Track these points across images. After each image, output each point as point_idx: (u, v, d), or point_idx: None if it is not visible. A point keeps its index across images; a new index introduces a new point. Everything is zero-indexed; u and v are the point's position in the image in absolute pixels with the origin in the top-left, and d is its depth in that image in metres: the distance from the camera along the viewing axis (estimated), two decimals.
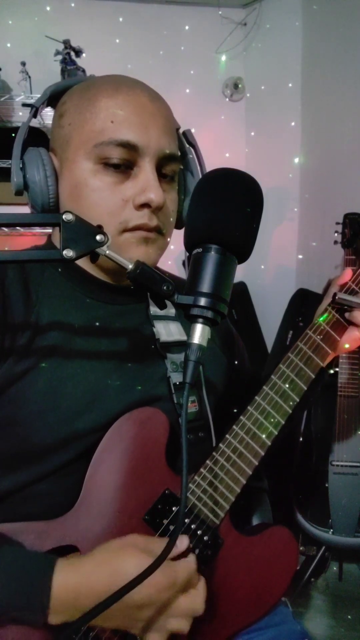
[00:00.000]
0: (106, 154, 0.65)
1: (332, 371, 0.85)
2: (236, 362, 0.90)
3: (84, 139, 0.66)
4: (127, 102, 0.67)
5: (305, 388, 0.74)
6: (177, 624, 0.58)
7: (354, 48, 1.91)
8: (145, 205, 0.66)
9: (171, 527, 0.66)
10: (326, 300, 0.81)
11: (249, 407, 0.72)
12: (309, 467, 1.61)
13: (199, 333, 0.50)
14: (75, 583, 0.53)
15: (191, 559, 0.60)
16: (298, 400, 0.73)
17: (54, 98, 0.73)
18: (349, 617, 1.56)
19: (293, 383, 0.73)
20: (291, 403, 0.73)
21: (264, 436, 0.71)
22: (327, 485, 1.56)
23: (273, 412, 0.72)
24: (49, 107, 0.75)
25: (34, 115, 0.73)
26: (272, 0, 2.28)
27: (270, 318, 2.18)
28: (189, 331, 0.51)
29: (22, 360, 0.64)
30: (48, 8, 2.16)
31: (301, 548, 1.60)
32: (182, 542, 0.61)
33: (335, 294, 0.76)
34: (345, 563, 1.71)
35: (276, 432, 0.72)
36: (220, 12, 2.30)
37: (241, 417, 0.71)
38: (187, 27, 2.34)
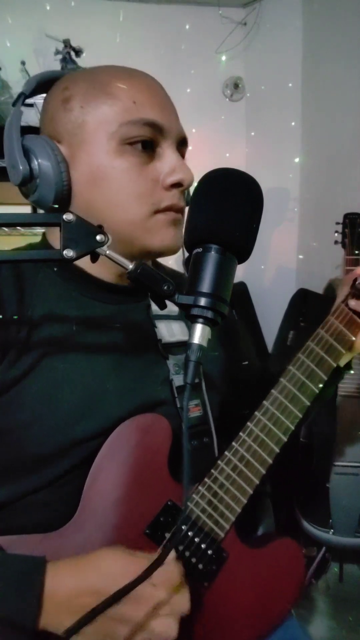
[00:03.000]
0: (133, 133, 0.62)
1: (352, 372, 0.80)
2: (234, 350, 0.88)
3: (104, 119, 0.63)
4: (144, 86, 0.65)
5: (317, 391, 0.70)
6: (163, 625, 0.53)
7: (354, 48, 1.91)
8: (176, 185, 0.65)
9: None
10: (339, 298, 0.77)
11: (256, 413, 0.69)
12: (309, 467, 1.60)
13: (199, 333, 0.49)
14: (68, 583, 0.52)
15: (177, 566, 0.56)
16: (309, 404, 0.69)
17: (41, 87, 0.69)
18: (350, 618, 1.56)
19: (304, 386, 0.69)
20: (302, 407, 0.69)
21: (272, 443, 0.68)
22: (327, 485, 1.56)
23: (282, 418, 0.68)
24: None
25: (22, 104, 0.67)
26: (272, 0, 2.27)
27: (270, 318, 2.17)
28: None
29: (16, 365, 0.61)
30: (48, 7, 2.16)
31: (302, 550, 1.59)
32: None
33: (356, 280, 0.73)
34: (346, 564, 1.70)
35: (285, 439, 0.68)
36: (220, 12, 2.30)
37: (248, 424, 0.68)
38: (187, 27, 2.34)
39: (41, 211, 0.70)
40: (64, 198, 0.65)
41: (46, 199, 0.64)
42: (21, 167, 0.61)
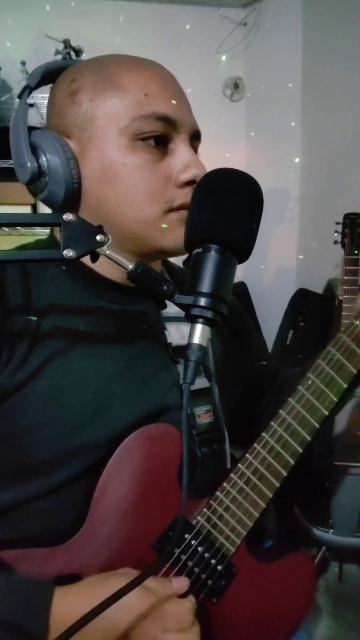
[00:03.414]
0: (145, 128, 0.59)
1: None
2: (245, 345, 0.84)
3: (114, 113, 0.59)
4: (155, 76, 0.61)
5: (336, 400, 0.66)
6: None
7: (354, 48, 1.91)
8: (190, 183, 0.62)
9: (183, 557, 0.61)
10: None
11: (272, 423, 0.65)
12: (310, 467, 1.60)
13: (199, 333, 0.49)
14: (74, 610, 0.48)
15: (188, 600, 0.56)
16: (327, 413, 0.66)
17: (46, 78, 0.66)
18: (350, 617, 1.56)
19: (323, 395, 0.65)
20: (319, 417, 0.66)
21: (287, 455, 0.65)
22: (328, 485, 1.56)
23: (299, 429, 0.65)
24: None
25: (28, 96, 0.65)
26: (272, 0, 2.28)
27: (270, 318, 2.17)
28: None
29: (22, 368, 0.59)
30: (48, 7, 2.16)
31: (302, 549, 1.60)
32: (180, 583, 0.56)
33: None
34: (346, 563, 1.70)
35: (301, 451, 0.65)
36: (220, 12, 2.30)
37: (263, 435, 0.65)
38: (187, 27, 2.34)
39: (43, 211, 0.68)
40: (74, 196, 0.62)
41: (56, 197, 0.61)
42: (29, 164, 0.59)
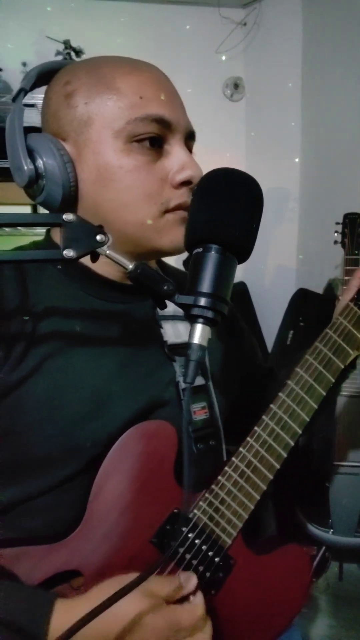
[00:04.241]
0: (140, 130, 0.60)
1: (356, 370, 0.78)
2: (240, 343, 0.85)
3: (110, 116, 0.60)
4: (149, 78, 0.62)
5: (324, 393, 0.69)
6: None
7: (354, 48, 1.91)
8: (185, 183, 0.63)
9: (180, 550, 0.62)
10: (347, 296, 0.76)
11: (264, 417, 0.67)
12: (309, 466, 1.61)
13: (200, 333, 0.50)
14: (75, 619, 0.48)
15: (198, 601, 0.57)
16: (316, 407, 0.68)
17: (41, 80, 0.66)
18: (350, 617, 1.56)
19: (312, 389, 0.68)
20: (309, 410, 0.68)
21: (280, 448, 0.66)
22: (327, 485, 1.56)
23: (290, 422, 0.67)
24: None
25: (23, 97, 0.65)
26: (272, 0, 2.28)
27: (270, 318, 2.18)
28: None
29: (20, 366, 0.60)
30: (49, 8, 2.16)
31: (304, 549, 1.60)
32: (190, 582, 0.57)
33: None
34: (346, 563, 1.71)
35: (293, 443, 0.67)
36: (220, 12, 2.30)
37: (255, 428, 0.67)
38: (187, 27, 2.34)
39: (43, 211, 0.69)
40: (71, 199, 0.63)
41: (53, 200, 0.62)
42: (26, 168, 0.59)
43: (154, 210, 0.62)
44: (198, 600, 0.57)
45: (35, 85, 0.65)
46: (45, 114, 0.65)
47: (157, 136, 0.61)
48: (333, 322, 0.72)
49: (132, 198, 0.61)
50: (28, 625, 0.50)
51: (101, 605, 0.45)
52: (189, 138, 0.66)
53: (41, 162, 0.60)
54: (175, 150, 0.63)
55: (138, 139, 0.60)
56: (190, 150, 0.67)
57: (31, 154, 0.60)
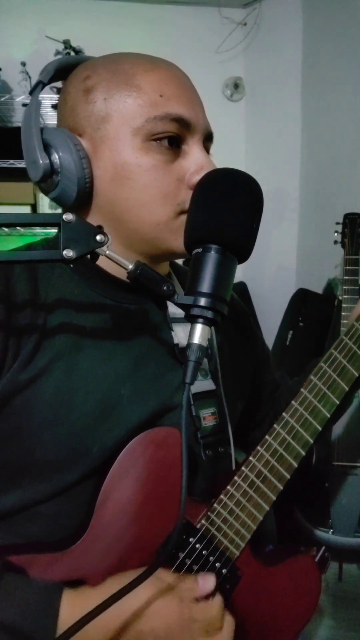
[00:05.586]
0: (159, 129, 0.58)
1: None
2: (254, 351, 0.84)
3: (129, 113, 0.58)
4: (170, 76, 0.60)
5: (338, 402, 0.67)
6: None
7: (354, 48, 1.91)
8: None
9: (187, 561, 0.60)
10: None
11: (275, 426, 0.65)
12: (309, 467, 1.60)
13: (199, 333, 0.49)
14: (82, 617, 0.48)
15: (215, 600, 0.56)
16: (329, 415, 0.67)
17: (59, 74, 0.65)
18: (349, 617, 1.56)
19: (325, 397, 0.66)
20: (322, 419, 0.66)
21: (290, 458, 0.65)
22: (327, 485, 1.56)
23: (302, 431, 0.65)
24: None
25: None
26: (272, 0, 2.28)
27: (270, 318, 2.18)
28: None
29: (29, 366, 0.58)
30: (48, 8, 2.16)
31: (301, 549, 1.60)
32: (207, 582, 0.56)
33: None
34: (345, 563, 1.70)
35: (304, 453, 0.65)
36: (220, 12, 2.30)
37: (267, 437, 0.65)
38: (187, 27, 2.34)
39: (43, 211, 0.68)
40: (86, 195, 0.61)
41: (68, 196, 0.60)
42: (41, 162, 0.58)
43: (170, 211, 0.60)
44: (216, 599, 0.56)
45: (52, 79, 0.64)
46: (62, 108, 0.64)
47: (175, 135, 0.59)
48: (349, 328, 0.69)
49: (148, 197, 0.60)
50: (36, 618, 0.50)
51: (100, 606, 0.45)
52: (207, 139, 0.65)
53: (57, 156, 0.58)
54: (193, 151, 0.61)
55: (156, 137, 0.59)
56: (207, 151, 0.65)
57: (47, 148, 0.59)
